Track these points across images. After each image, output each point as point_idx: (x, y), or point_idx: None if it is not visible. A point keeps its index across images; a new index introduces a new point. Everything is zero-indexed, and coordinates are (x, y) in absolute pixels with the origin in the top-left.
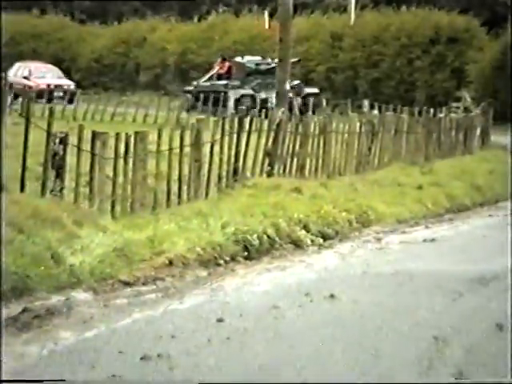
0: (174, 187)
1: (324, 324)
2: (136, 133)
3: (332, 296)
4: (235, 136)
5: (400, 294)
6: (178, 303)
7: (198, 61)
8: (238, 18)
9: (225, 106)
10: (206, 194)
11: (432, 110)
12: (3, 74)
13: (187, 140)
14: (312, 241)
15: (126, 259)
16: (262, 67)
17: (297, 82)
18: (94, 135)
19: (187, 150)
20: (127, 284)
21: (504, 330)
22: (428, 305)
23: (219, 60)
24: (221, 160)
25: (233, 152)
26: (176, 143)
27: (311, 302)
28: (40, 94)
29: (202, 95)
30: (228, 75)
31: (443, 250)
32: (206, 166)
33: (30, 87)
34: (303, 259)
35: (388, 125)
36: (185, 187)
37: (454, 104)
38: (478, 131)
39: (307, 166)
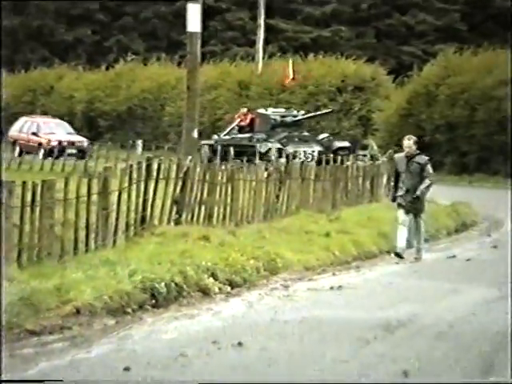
0: (82, 235)
1: (232, 372)
2: (43, 181)
3: (240, 344)
4: (143, 184)
5: (307, 342)
6: (85, 352)
7: (106, 109)
8: (145, 66)
9: (249, 160)
10: (114, 242)
11: (339, 158)
12: None
13: (95, 188)
14: (220, 289)
15: (33, 308)
16: (288, 119)
17: (325, 135)
18: (0, 183)
19: (95, 198)
20: (34, 333)
21: (409, 377)
22: (335, 352)
23: (241, 111)
24: (128, 208)
25: (140, 200)
26: (83, 191)
27: (219, 350)
28: (50, 151)
29: (221, 149)
30: (250, 127)
31: (350, 298)
32: (113, 214)
33: (40, 144)
34: (211, 307)
35: (295, 172)
36: (92, 235)
37: (361, 152)
38: (385, 179)
39: (215, 214)
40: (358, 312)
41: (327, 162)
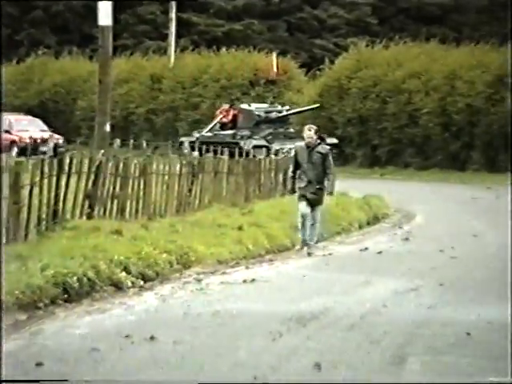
0: None
1: (145, 366)
2: None
3: (152, 338)
4: (55, 178)
5: (220, 335)
6: None
7: (17, 103)
8: (57, 59)
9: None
10: (26, 237)
11: (252, 151)
12: None
13: (6, 182)
14: (132, 283)
15: None
16: (273, 115)
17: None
18: None
19: (6, 192)
20: None
21: (322, 370)
22: (248, 345)
23: (223, 107)
24: (40, 202)
25: (52, 194)
26: None
27: (132, 344)
28: (23, 149)
29: (203, 147)
30: (233, 124)
31: (263, 291)
32: (25, 209)
33: (14, 141)
34: (124, 301)
35: (208, 166)
36: (3, 230)
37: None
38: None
39: (128, 208)
40: (271, 305)
41: (240, 155)
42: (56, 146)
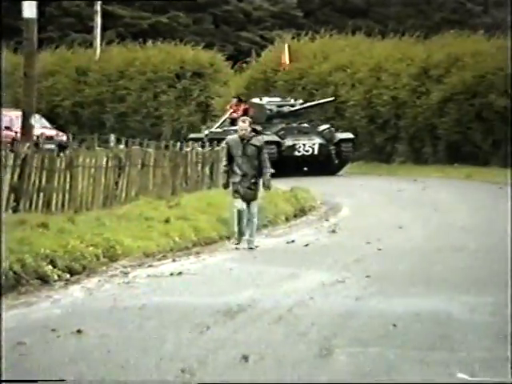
0: None
1: (71, 360)
2: None
3: (79, 331)
4: None
5: (147, 328)
6: None
7: None
8: None
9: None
10: None
11: (178, 144)
12: None
13: None
14: (59, 276)
15: None
16: (285, 109)
17: (326, 126)
18: None
19: None
20: None
21: (249, 362)
22: (175, 338)
23: (233, 102)
24: None
25: None
26: None
27: (58, 338)
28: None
29: (212, 143)
30: None
31: (190, 283)
32: None
33: (14, 139)
34: (50, 295)
35: (135, 159)
36: None
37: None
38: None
39: (54, 201)
40: (199, 298)
41: (166, 148)
42: (60, 144)
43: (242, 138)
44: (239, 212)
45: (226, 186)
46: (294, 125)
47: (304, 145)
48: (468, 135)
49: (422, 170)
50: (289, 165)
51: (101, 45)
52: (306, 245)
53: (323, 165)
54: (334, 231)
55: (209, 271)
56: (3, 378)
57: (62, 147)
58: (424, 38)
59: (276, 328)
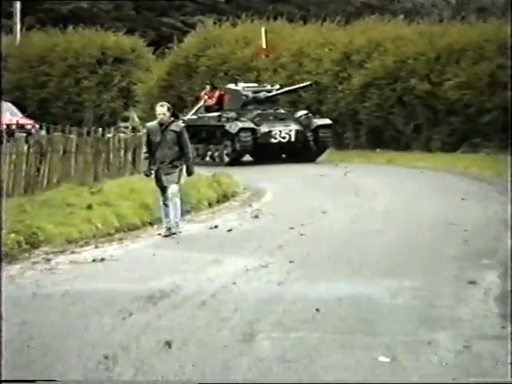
0: None
1: None
2: None
3: (0, 318)
4: None
5: (70, 315)
6: None
7: None
8: None
9: (219, 143)
10: None
11: (100, 130)
12: None
13: None
14: None
15: None
16: (261, 95)
17: (304, 112)
18: None
19: None
20: None
21: (172, 348)
22: (98, 325)
23: (207, 88)
24: None
25: None
26: None
27: None
28: None
29: (190, 132)
30: (219, 106)
31: (113, 270)
32: None
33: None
34: None
35: (56, 145)
36: None
37: (122, 124)
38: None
39: None
40: (121, 284)
41: (88, 134)
42: (29, 134)
43: (160, 124)
44: (164, 200)
45: (147, 173)
46: (271, 111)
47: (280, 131)
48: (389, 120)
49: (344, 154)
50: (265, 152)
51: (21, 30)
52: (229, 230)
53: (301, 152)
54: (257, 216)
55: (131, 257)
56: (3, 378)
57: (31, 135)
58: (345, 23)
59: (199, 313)
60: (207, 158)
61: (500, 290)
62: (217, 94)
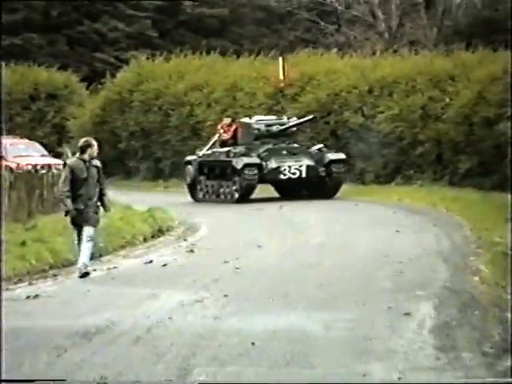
0: None
1: None
2: None
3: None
4: None
5: (4, 353)
6: None
7: None
8: None
9: (230, 179)
10: None
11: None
12: None
13: None
14: None
15: None
16: (274, 128)
17: (319, 146)
18: None
19: None
20: None
21: (107, 383)
22: (33, 361)
23: (224, 122)
24: None
25: None
26: None
27: None
28: None
29: (200, 166)
30: (234, 140)
31: (47, 306)
32: None
33: (11, 170)
34: None
35: None
36: None
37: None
38: None
39: None
40: (56, 320)
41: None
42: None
43: (84, 160)
44: (87, 238)
45: (73, 213)
46: (283, 145)
47: (290, 167)
48: None
49: None
50: (275, 189)
51: None
52: (164, 265)
53: (315, 188)
54: (192, 251)
55: (66, 293)
56: (3, 378)
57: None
58: (279, 56)
59: (134, 349)
60: (221, 196)
61: (435, 322)
62: (233, 127)
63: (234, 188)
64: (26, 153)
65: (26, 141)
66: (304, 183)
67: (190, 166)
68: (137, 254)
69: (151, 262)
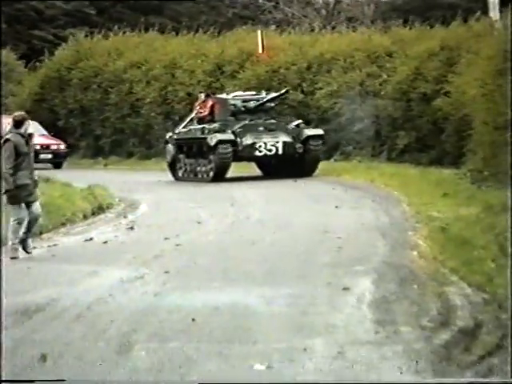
0: None
1: None
2: None
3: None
4: None
5: None
6: None
7: None
8: None
9: (205, 157)
10: None
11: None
12: None
13: None
14: None
15: None
16: (251, 104)
17: (297, 122)
18: None
19: None
20: None
21: (47, 361)
22: None
23: (201, 98)
24: None
25: None
26: None
27: None
28: None
29: (184, 146)
30: (211, 117)
31: None
32: None
33: None
34: None
35: None
36: None
37: None
38: None
39: None
40: None
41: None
42: (55, 154)
43: (22, 135)
44: (20, 220)
45: (14, 191)
46: (259, 121)
47: (265, 143)
48: None
49: None
50: (258, 167)
51: None
52: (105, 242)
53: (292, 166)
54: (132, 228)
55: (6, 271)
56: (3, 378)
57: (58, 157)
58: (217, 34)
59: (75, 326)
60: (199, 175)
61: (374, 296)
62: (209, 103)
63: (210, 167)
64: None
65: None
66: (282, 160)
67: (169, 145)
68: (77, 232)
69: (91, 239)
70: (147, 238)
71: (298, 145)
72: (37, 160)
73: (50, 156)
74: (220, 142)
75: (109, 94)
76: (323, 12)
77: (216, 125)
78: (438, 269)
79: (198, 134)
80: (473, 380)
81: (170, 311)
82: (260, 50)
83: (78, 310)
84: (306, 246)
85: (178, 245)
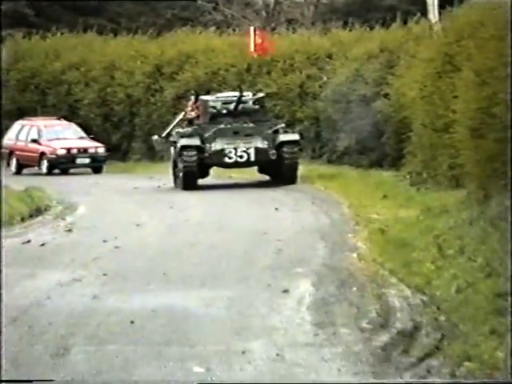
0: None
1: None
2: None
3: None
4: None
5: None
6: None
7: None
8: None
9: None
10: None
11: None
12: None
13: None
14: None
15: None
16: (231, 106)
17: (279, 126)
18: None
19: None
20: None
21: None
22: None
23: (192, 99)
24: None
25: None
26: None
27: None
28: (56, 162)
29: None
30: (198, 119)
31: None
32: None
33: (43, 153)
34: None
35: None
36: None
37: None
38: None
39: None
40: None
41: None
42: (94, 158)
43: None
44: None
45: None
46: (236, 125)
47: (236, 149)
48: None
49: (158, 167)
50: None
51: None
52: (42, 244)
53: (271, 173)
54: (70, 230)
55: None
56: (3, 378)
57: (96, 161)
58: (157, 35)
59: (12, 329)
60: (177, 182)
61: (313, 298)
62: (197, 105)
63: (181, 174)
64: (63, 135)
65: (64, 122)
66: (257, 167)
67: (171, 148)
68: (14, 234)
69: (29, 241)
70: (85, 240)
71: (272, 151)
72: (74, 165)
73: (87, 160)
74: (184, 147)
75: (47, 96)
76: (263, 13)
77: (189, 129)
78: (378, 271)
79: (175, 138)
80: (473, 380)
81: (108, 314)
82: (252, 49)
83: (15, 313)
84: (246, 248)
85: (116, 247)
